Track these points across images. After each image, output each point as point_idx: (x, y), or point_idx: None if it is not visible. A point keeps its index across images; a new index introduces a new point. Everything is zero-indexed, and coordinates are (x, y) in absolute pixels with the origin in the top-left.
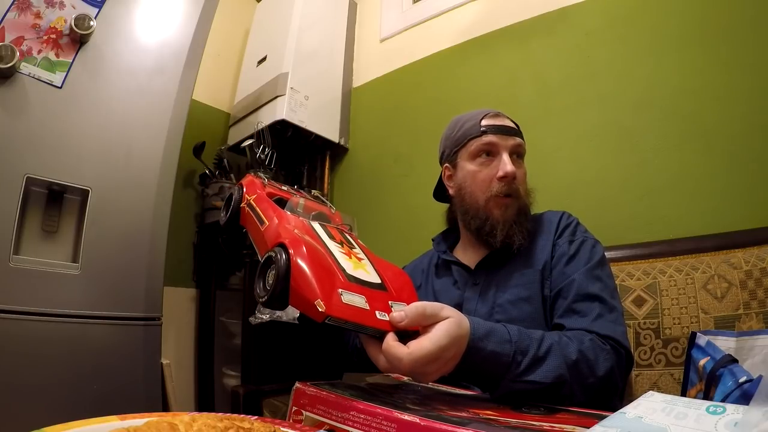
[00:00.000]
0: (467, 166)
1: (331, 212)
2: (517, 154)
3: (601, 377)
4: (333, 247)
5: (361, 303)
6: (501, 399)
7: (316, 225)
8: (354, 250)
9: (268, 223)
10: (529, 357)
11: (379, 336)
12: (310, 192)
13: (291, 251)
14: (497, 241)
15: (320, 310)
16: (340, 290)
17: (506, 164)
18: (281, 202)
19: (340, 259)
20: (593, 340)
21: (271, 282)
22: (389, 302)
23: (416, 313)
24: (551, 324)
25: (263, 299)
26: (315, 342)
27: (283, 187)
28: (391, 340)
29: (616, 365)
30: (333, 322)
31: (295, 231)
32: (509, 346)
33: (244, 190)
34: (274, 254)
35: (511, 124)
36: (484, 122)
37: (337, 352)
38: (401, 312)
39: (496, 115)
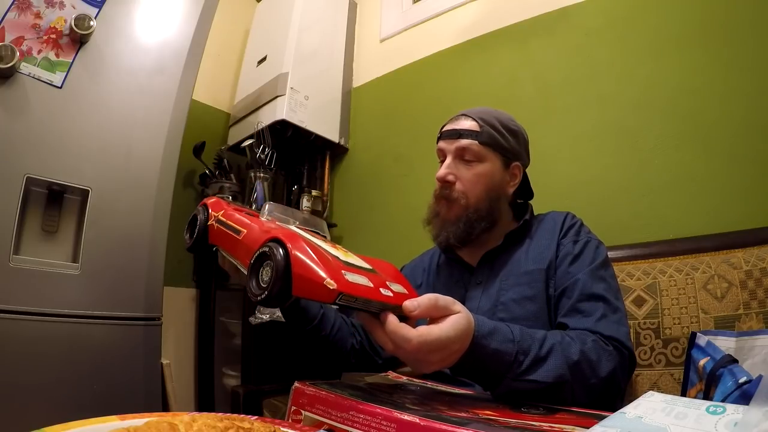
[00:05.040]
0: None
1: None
2: (462, 157)
3: (604, 378)
4: (318, 241)
5: (364, 282)
6: (501, 397)
7: (295, 228)
8: (338, 245)
9: (246, 231)
10: (531, 357)
11: (392, 310)
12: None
13: (288, 243)
14: (434, 238)
15: (331, 288)
16: (343, 271)
17: (441, 168)
18: None
19: (329, 249)
20: (596, 340)
21: (266, 279)
22: (386, 281)
23: (429, 304)
24: (555, 323)
25: (261, 297)
26: (309, 344)
27: (246, 207)
28: (397, 321)
29: (618, 366)
30: (344, 301)
31: (282, 229)
32: (512, 346)
33: (210, 209)
34: (268, 249)
35: (463, 127)
36: (442, 128)
37: (332, 353)
38: (414, 302)
39: (457, 117)
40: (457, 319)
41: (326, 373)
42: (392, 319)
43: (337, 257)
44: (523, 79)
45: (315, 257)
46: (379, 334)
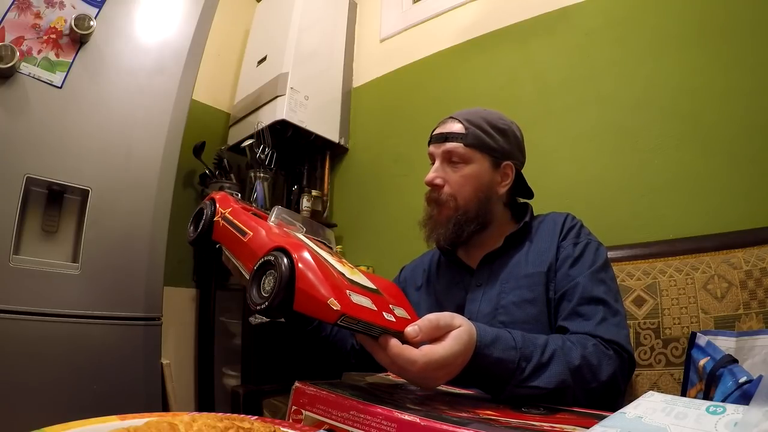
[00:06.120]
0: None
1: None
2: (450, 160)
3: (604, 382)
4: (324, 254)
5: (368, 303)
6: (504, 401)
7: (302, 237)
8: (343, 260)
9: (252, 234)
10: (533, 363)
11: (393, 335)
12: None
13: (295, 255)
14: (427, 239)
15: (335, 308)
16: (347, 291)
17: (430, 172)
18: None
19: (335, 264)
20: (597, 345)
21: (268, 288)
22: (389, 305)
23: (430, 327)
24: (555, 326)
25: (261, 307)
26: (309, 345)
27: (253, 206)
28: (400, 344)
29: (618, 370)
30: (345, 323)
31: (291, 237)
32: (514, 353)
33: (217, 204)
34: (273, 258)
35: (449, 130)
36: (432, 132)
37: (332, 353)
38: (415, 327)
39: (444, 121)
40: (459, 333)
41: (326, 372)
42: (395, 343)
43: (343, 274)
44: (523, 79)
45: (320, 273)
46: (380, 356)
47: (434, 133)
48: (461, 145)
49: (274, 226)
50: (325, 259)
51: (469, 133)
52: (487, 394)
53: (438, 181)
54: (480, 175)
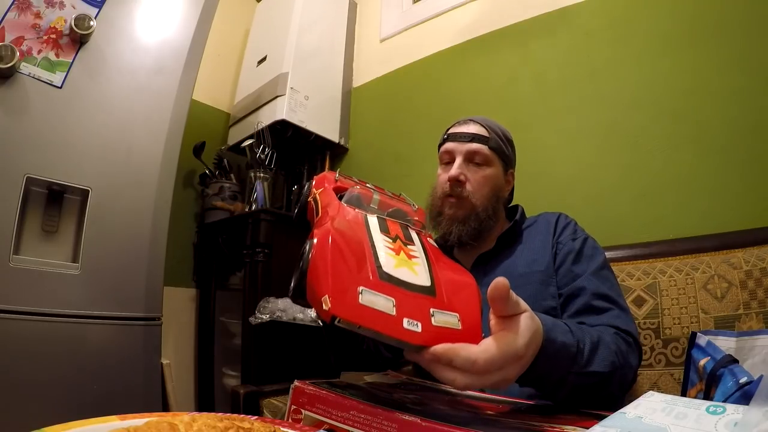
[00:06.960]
0: (437, 171)
1: (412, 209)
2: (472, 160)
3: (633, 367)
4: (379, 241)
5: (385, 306)
6: (563, 402)
7: (372, 218)
8: (409, 247)
9: (319, 216)
10: (588, 345)
11: (415, 350)
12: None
13: (315, 246)
14: (440, 238)
15: (325, 308)
16: (360, 288)
17: (453, 168)
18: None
19: (381, 254)
20: (618, 333)
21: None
22: (431, 309)
23: (513, 300)
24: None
25: (289, 294)
26: (347, 354)
27: (354, 180)
28: (453, 344)
29: (638, 358)
30: (343, 325)
31: (335, 222)
32: (571, 336)
33: (314, 183)
34: (306, 244)
35: (474, 131)
36: (449, 131)
37: (370, 360)
38: (479, 348)
39: (465, 122)
40: (526, 319)
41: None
42: (441, 346)
43: (380, 266)
44: (522, 79)
45: (333, 264)
46: (439, 371)
47: (455, 131)
48: (486, 147)
49: (345, 207)
50: (372, 246)
51: (491, 138)
52: (487, 394)
53: (463, 177)
54: (496, 178)
